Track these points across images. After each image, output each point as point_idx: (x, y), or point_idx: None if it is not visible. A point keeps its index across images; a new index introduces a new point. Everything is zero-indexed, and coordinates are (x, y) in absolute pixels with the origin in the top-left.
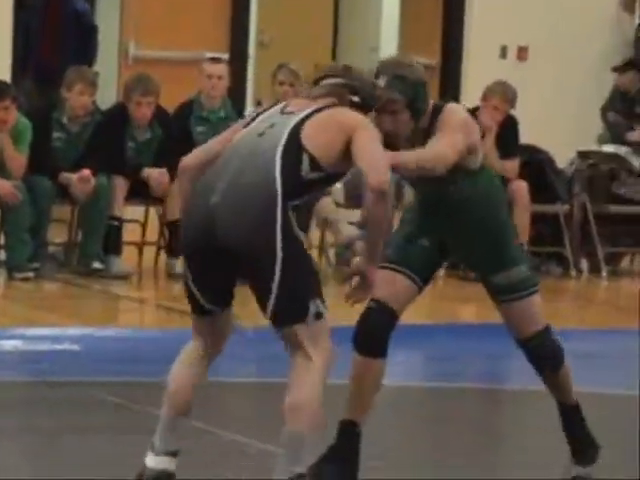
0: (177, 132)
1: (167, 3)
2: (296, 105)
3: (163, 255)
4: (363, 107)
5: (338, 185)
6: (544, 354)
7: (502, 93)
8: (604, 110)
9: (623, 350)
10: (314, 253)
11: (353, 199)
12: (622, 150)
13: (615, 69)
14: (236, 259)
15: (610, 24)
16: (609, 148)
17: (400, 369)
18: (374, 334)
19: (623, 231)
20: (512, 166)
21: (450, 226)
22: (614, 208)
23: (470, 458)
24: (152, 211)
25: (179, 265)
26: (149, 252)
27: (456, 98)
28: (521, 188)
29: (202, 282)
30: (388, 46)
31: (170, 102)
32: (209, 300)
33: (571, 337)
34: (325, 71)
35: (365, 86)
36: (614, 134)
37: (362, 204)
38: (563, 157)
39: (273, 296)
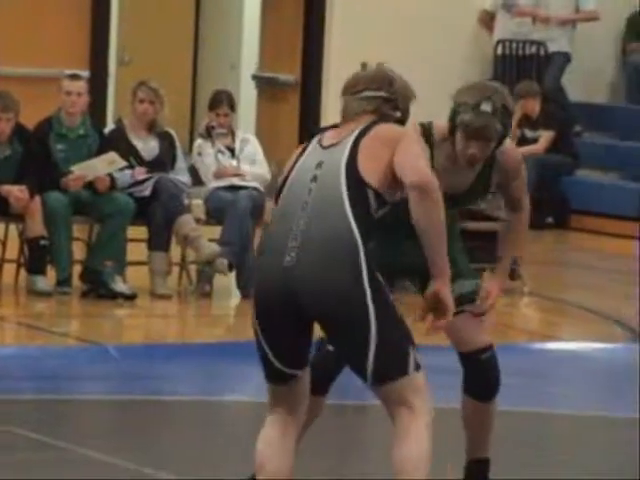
0: (37, 149)
1: (27, 20)
2: (335, 134)
3: (23, 272)
4: (402, 123)
5: (198, 201)
6: (494, 366)
7: None
8: None
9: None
10: (175, 270)
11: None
12: None
13: None
14: (320, 319)
15: (469, 41)
16: None
17: (260, 385)
18: (332, 376)
19: (480, 247)
20: None
21: (412, 246)
22: (472, 225)
23: (330, 472)
24: (12, 228)
25: (40, 282)
26: (9, 269)
27: (316, 114)
28: None
29: (280, 347)
30: (248, 63)
31: (30, 119)
32: (288, 364)
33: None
34: (365, 83)
35: (405, 100)
36: None
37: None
38: None
39: (372, 354)
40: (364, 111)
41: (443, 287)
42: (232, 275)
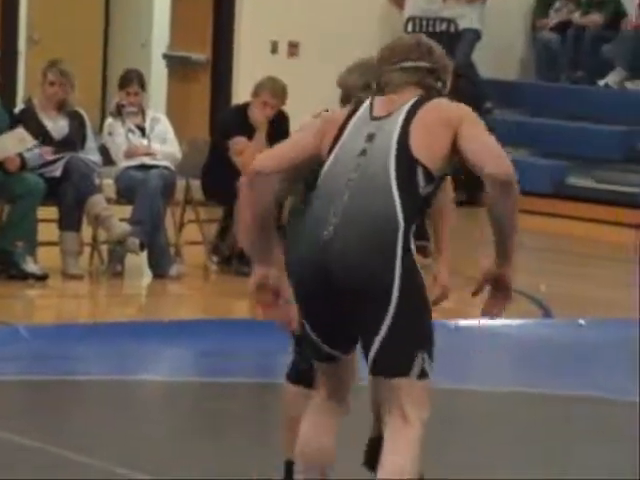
0: None
1: None
2: (385, 105)
3: None
4: (442, 95)
5: (109, 181)
6: None
7: (272, 88)
8: None
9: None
10: (86, 250)
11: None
12: None
13: None
14: (344, 295)
15: (379, 19)
16: None
17: (173, 364)
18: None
19: None
20: None
21: None
22: None
23: (241, 451)
24: None
25: None
26: None
27: (228, 93)
28: None
29: (322, 327)
30: (159, 42)
31: None
32: (332, 345)
33: None
34: (403, 52)
35: (445, 71)
36: None
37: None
38: None
39: (378, 343)
40: (406, 83)
41: (509, 270)
42: (143, 254)
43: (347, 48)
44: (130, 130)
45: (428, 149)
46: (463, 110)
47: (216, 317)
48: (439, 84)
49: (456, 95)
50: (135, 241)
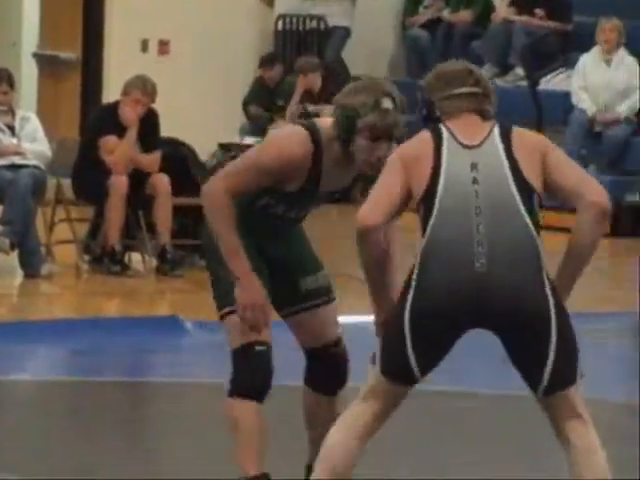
0: None
1: None
2: (469, 134)
3: None
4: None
5: None
6: (344, 358)
7: (142, 87)
8: (246, 103)
9: None
10: None
11: None
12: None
13: (261, 64)
14: (504, 327)
15: (249, 16)
16: (250, 140)
17: (45, 364)
18: (271, 379)
19: None
20: (154, 159)
21: (283, 241)
22: None
23: (113, 450)
24: None
25: None
26: None
27: (98, 92)
28: (162, 181)
29: (430, 354)
30: (29, 41)
31: None
32: (424, 371)
33: (216, 329)
34: (460, 79)
35: (492, 96)
36: (256, 126)
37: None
38: (205, 150)
39: (550, 362)
40: (467, 109)
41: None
42: (14, 254)
43: (218, 46)
44: None
45: (536, 176)
46: (541, 136)
47: (88, 316)
48: (493, 109)
49: (327, 93)
50: (5, 241)
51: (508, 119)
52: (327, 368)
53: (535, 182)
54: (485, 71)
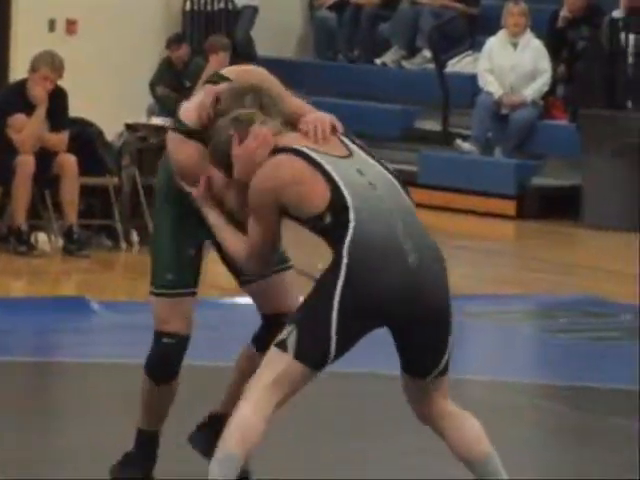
0: None
1: None
2: (327, 147)
3: None
4: None
5: None
6: None
7: (50, 62)
8: (153, 84)
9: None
10: None
11: None
12: (170, 122)
13: (168, 44)
14: (424, 319)
15: None
16: (157, 120)
17: None
18: (175, 367)
19: None
20: (61, 139)
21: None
22: None
23: (18, 431)
24: None
25: None
26: None
27: (4, 73)
28: (69, 161)
29: (351, 344)
30: None
31: None
32: (337, 355)
33: (122, 309)
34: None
35: None
36: (163, 107)
37: None
38: (112, 130)
39: (449, 349)
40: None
41: None
42: None
43: (126, 26)
44: None
45: None
46: None
47: None
48: None
49: None
50: None
51: (415, 102)
52: (275, 335)
53: None
54: (392, 53)
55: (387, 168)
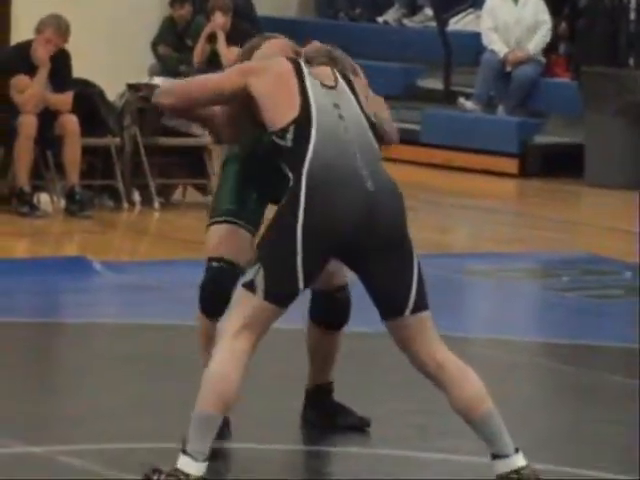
0: None
1: None
2: (324, 76)
3: None
4: None
5: None
6: (347, 302)
7: (56, 26)
8: (155, 43)
9: (177, 281)
10: None
11: None
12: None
13: (172, 3)
14: (381, 246)
15: None
16: (159, 80)
17: None
18: (225, 296)
19: (174, 163)
20: (66, 99)
21: (266, 168)
22: (164, 140)
23: (19, 391)
24: None
25: None
26: None
27: (6, 33)
28: (71, 121)
29: (317, 271)
30: None
31: None
32: (305, 286)
33: (124, 269)
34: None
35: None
36: (165, 66)
37: None
38: (114, 90)
39: (415, 284)
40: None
41: None
42: None
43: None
44: None
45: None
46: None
47: None
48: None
49: (234, 33)
50: None
51: (417, 60)
52: (330, 309)
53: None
54: (394, 12)
55: (367, 115)
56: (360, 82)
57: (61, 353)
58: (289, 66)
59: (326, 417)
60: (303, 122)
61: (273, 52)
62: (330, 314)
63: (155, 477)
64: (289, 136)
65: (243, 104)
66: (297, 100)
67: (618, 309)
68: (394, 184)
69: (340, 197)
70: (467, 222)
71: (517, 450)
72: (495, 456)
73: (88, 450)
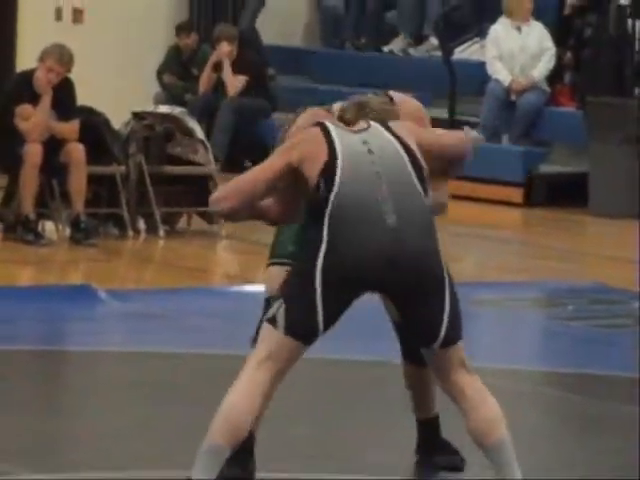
0: None
1: None
2: (355, 124)
3: None
4: None
5: None
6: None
7: (58, 55)
8: (160, 72)
9: (182, 309)
10: None
11: None
12: (177, 110)
13: (178, 32)
14: (407, 285)
15: None
16: (164, 109)
17: None
18: None
19: (179, 191)
20: (72, 128)
21: None
22: (169, 169)
23: (23, 422)
24: None
25: None
26: None
27: (11, 61)
28: (77, 150)
29: (336, 311)
30: None
31: None
32: (327, 325)
33: (129, 298)
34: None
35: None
36: (170, 95)
37: None
38: (119, 118)
39: (446, 317)
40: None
41: None
42: None
43: (132, 13)
44: None
45: (419, 152)
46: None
47: (0, 284)
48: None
49: (240, 62)
50: None
51: (422, 89)
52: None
53: (420, 157)
54: (399, 41)
55: (409, 149)
56: (407, 125)
57: (65, 381)
58: (317, 129)
59: (426, 453)
60: (330, 166)
61: (306, 121)
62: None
63: None
64: (322, 185)
65: (292, 183)
66: (325, 151)
67: (625, 339)
68: (427, 220)
69: (358, 235)
70: (473, 251)
71: None
72: None
73: (95, 479)
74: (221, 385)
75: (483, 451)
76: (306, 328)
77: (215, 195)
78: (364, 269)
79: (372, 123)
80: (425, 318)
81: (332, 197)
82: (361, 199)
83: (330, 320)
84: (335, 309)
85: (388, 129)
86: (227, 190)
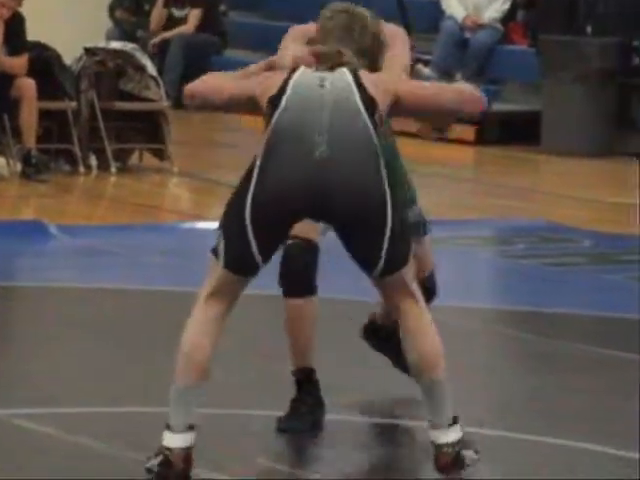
0: None
1: None
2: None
3: None
4: None
5: None
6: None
7: None
8: (112, 7)
9: (133, 245)
10: None
11: None
12: (129, 47)
13: None
14: (343, 215)
15: None
16: (116, 45)
17: None
18: (302, 274)
19: (131, 128)
20: (21, 62)
21: None
22: (121, 104)
23: None
24: None
25: None
26: None
27: None
28: (28, 85)
29: (270, 241)
30: None
31: None
32: (266, 258)
33: (80, 233)
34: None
35: None
36: (122, 31)
37: None
38: (71, 54)
39: (386, 245)
40: None
41: None
42: None
43: None
44: None
45: (382, 99)
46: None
47: None
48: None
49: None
50: None
51: None
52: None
53: (381, 102)
54: None
55: (365, 91)
56: (383, 77)
57: (16, 317)
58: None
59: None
60: (279, 95)
61: (296, 37)
62: None
63: (149, 463)
64: (268, 112)
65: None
66: (280, 84)
67: (576, 277)
68: (368, 152)
69: (283, 166)
70: (424, 190)
71: (455, 421)
72: (432, 424)
73: (42, 414)
74: (172, 321)
75: (416, 382)
76: (243, 262)
77: (188, 87)
78: (286, 201)
79: (341, 69)
80: (362, 247)
81: (272, 124)
82: (297, 128)
83: (267, 251)
84: (270, 240)
85: (354, 74)
86: (197, 88)
